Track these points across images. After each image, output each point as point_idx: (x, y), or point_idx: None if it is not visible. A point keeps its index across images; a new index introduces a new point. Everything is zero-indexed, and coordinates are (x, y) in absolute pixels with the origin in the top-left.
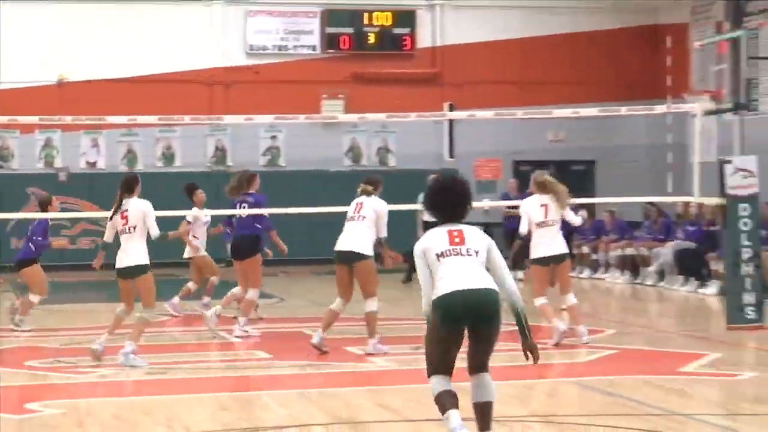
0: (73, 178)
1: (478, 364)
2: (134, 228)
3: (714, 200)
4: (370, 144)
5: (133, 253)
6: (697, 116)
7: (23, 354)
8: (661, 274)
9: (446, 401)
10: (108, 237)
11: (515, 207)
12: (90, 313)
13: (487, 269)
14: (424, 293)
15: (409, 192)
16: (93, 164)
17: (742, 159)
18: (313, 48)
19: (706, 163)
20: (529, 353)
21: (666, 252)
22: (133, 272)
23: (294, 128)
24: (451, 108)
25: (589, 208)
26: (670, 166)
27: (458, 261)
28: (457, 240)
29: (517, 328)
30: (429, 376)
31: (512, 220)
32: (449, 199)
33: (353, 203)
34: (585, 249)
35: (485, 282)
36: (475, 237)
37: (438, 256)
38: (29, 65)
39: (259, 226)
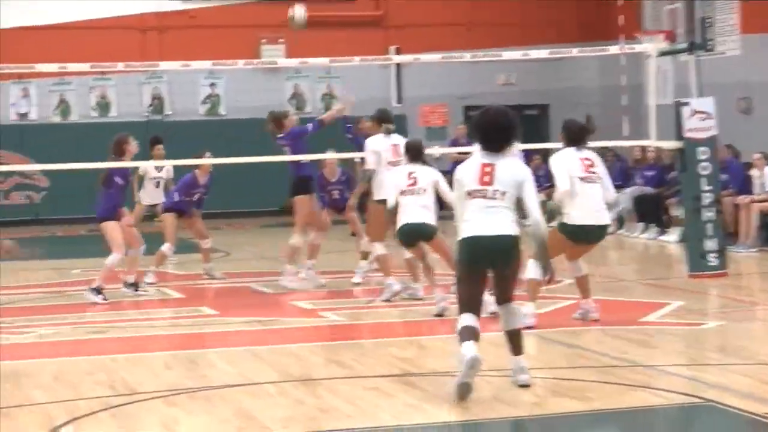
0: (2, 131)
1: (501, 296)
2: (424, 190)
3: (671, 144)
4: (314, 90)
5: (425, 213)
6: (652, 57)
7: None
8: (620, 221)
9: (464, 333)
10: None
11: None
12: (25, 271)
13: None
14: (456, 216)
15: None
16: (24, 115)
17: (700, 101)
18: None
19: (662, 106)
20: (548, 277)
21: (624, 198)
22: (427, 231)
23: (234, 75)
24: (397, 52)
25: (544, 153)
26: (625, 109)
27: (482, 204)
28: (486, 179)
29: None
30: (459, 314)
31: None
32: (491, 131)
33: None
34: (541, 196)
35: (503, 227)
36: (506, 174)
37: (467, 193)
38: None
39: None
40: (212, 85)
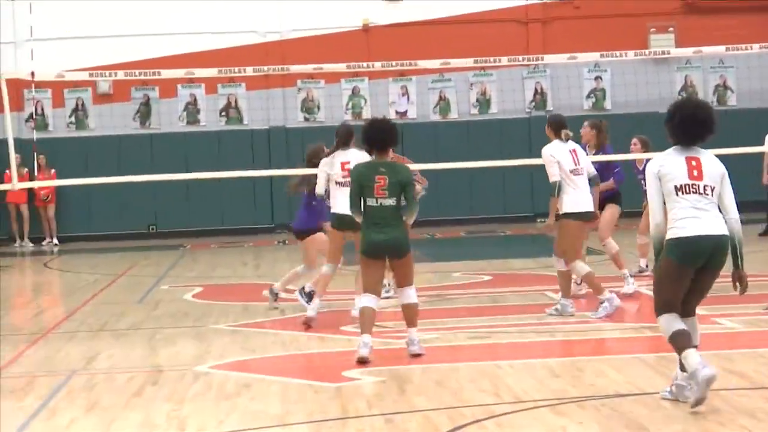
0: None
1: (689, 308)
2: None
3: None
4: (707, 81)
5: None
6: None
7: (339, 319)
8: None
9: (682, 340)
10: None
11: None
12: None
13: None
14: (653, 218)
15: (753, 134)
16: (403, 114)
17: None
18: None
19: None
20: (737, 283)
21: None
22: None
23: (620, 67)
24: None
25: None
26: None
27: (697, 201)
28: (695, 173)
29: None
30: (657, 315)
31: None
32: (693, 127)
33: None
34: None
35: (721, 227)
36: (712, 169)
37: (677, 189)
38: (333, 10)
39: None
40: (597, 78)
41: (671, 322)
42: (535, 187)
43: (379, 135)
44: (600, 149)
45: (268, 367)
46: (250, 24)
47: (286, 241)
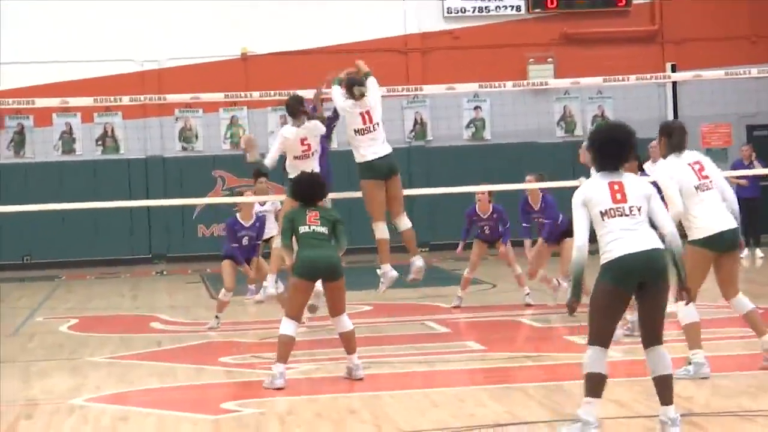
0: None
1: (651, 335)
2: None
3: None
4: (585, 111)
5: None
6: None
7: (218, 350)
8: None
9: (593, 386)
10: None
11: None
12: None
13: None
14: (578, 245)
15: None
16: None
17: None
18: (518, 8)
19: None
20: (684, 293)
21: None
22: None
23: (499, 97)
24: (674, 69)
25: None
26: None
27: (624, 222)
28: (618, 197)
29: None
30: (588, 344)
31: (745, 189)
32: (612, 148)
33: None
34: None
35: (653, 242)
36: (636, 191)
37: (602, 214)
38: (211, 39)
39: None
40: (476, 108)
41: (595, 361)
42: (414, 217)
43: (307, 190)
44: (542, 200)
45: (144, 400)
46: (127, 52)
47: (164, 272)
